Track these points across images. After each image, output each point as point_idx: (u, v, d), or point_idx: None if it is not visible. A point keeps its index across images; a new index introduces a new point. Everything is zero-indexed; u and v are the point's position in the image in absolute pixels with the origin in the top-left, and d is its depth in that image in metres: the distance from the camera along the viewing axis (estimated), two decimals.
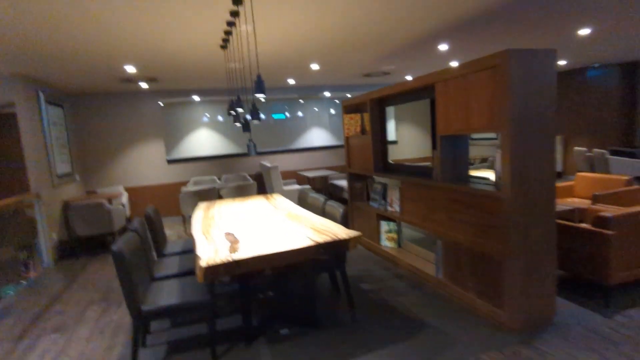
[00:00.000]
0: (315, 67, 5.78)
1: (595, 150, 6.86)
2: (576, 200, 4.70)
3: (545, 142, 2.49)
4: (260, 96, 2.24)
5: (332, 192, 7.77)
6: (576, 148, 7.52)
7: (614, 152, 7.36)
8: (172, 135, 8.52)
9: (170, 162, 7.52)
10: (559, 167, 8.84)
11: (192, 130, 8.71)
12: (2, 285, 4.44)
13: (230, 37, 3.55)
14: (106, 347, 2.85)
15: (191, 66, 5.13)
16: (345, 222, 3.01)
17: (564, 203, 4.42)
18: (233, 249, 2.40)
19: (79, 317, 3.40)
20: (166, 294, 2.52)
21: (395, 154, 9.29)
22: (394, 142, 9.21)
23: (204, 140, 8.84)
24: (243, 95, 6.72)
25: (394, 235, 4.26)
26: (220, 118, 8.81)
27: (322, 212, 3.47)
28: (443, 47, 5.09)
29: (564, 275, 3.43)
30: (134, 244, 2.57)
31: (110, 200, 6.00)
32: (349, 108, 4.80)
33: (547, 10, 3.81)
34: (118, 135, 7.13)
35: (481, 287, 2.82)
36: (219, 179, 7.77)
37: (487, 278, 2.75)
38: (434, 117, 3.16)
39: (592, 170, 7.09)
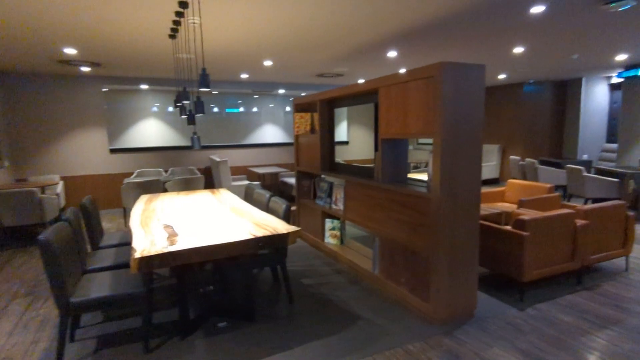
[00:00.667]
0: (268, 63, 5.79)
1: (527, 159, 7.45)
2: (506, 204, 5.10)
3: (473, 149, 2.71)
4: (204, 90, 2.24)
5: (282, 189, 7.81)
6: (512, 157, 8.12)
7: (543, 162, 8.03)
8: (117, 123, 8.15)
9: (113, 151, 7.18)
10: (496, 174, 9.49)
11: (139, 120, 8.39)
12: None
13: (179, 28, 3.49)
14: (30, 341, 2.71)
15: (138, 53, 4.95)
16: (287, 217, 3.08)
17: (494, 207, 4.78)
18: (170, 241, 2.38)
19: (2, 311, 3.19)
20: (98, 286, 2.45)
21: (346, 155, 9.49)
22: (346, 143, 9.45)
23: (152, 130, 8.54)
24: (190, 88, 6.58)
25: (337, 233, 4.39)
26: (170, 109, 8.56)
27: (267, 208, 3.51)
28: (392, 54, 5.31)
29: (486, 273, 3.73)
30: (64, 235, 2.47)
31: (43, 189, 5.64)
32: (300, 107, 4.87)
33: (485, 28, 4.11)
34: (55, 120, 6.69)
35: (412, 282, 3.00)
36: (166, 171, 7.55)
37: (416, 274, 2.94)
38: (377, 121, 3.30)
39: (524, 177, 7.69)
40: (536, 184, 4.98)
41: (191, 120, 2.93)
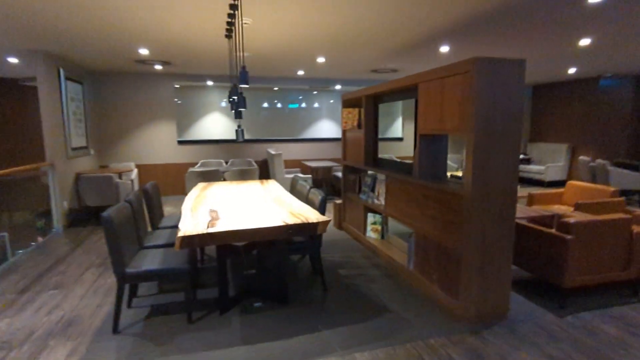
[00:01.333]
0: (321, 60, 5.95)
1: (598, 160, 6.84)
2: (563, 207, 4.78)
3: (510, 147, 2.63)
4: (244, 86, 2.45)
5: (334, 184, 7.97)
6: (581, 157, 7.49)
7: (619, 164, 7.30)
8: (186, 117, 8.85)
9: (180, 143, 7.84)
10: (563, 175, 8.80)
11: (205, 114, 9.03)
12: (15, 245, 4.83)
13: (233, 28, 3.76)
14: (97, 304, 3.15)
15: (200, 52, 5.38)
16: (322, 208, 3.22)
17: (548, 209, 4.51)
18: (211, 224, 2.64)
19: (78, 278, 3.72)
20: (150, 260, 2.79)
21: (400, 151, 9.38)
22: (400, 139, 9.34)
23: (216, 124, 9.14)
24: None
25: (378, 227, 4.44)
26: (222, 104, 9.10)
27: (306, 199, 3.68)
28: (444, 49, 5.19)
29: (528, 276, 3.57)
30: (124, 214, 2.84)
31: (120, 175, 6.35)
32: (348, 102, 4.97)
33: (543, 19, 3.88)
34: (133, 113, 7.47)
35: (442, 279, 2.99)
36: (226, 162, 8.06)
37: (447, 271, 2.92)
38: (417, 116, 3.31)
39: (594, 180, 7.08)
40: (598, 186, 4.61)
41: (237, 115, 3.18)
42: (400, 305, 3.05)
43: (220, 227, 2.55)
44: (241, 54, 5.21)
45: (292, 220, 2.70)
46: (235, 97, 3.64)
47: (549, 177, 8.66)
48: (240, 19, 3.64)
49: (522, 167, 9.27)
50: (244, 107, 2.93)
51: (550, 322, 2.77)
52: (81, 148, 6.41)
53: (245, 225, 2.58)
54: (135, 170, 7.22)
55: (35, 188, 6.22)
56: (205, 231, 2.45)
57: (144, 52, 5.30)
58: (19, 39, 4.55)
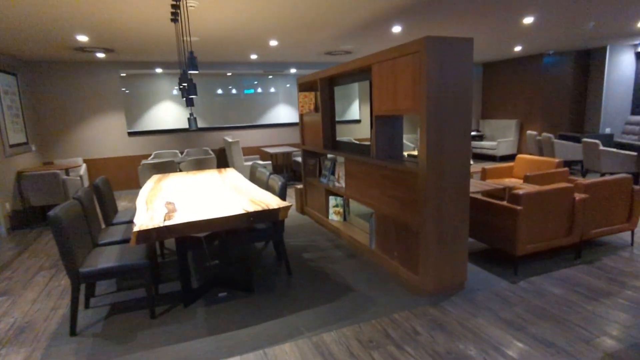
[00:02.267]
0: (273, 43, 5.83)
1: (544, 134, 7.26)
2: (513, 180, 5.05)
3: (461, 124, 2.72)
4: (193, 72, 2.35)
5: (294, 169, 7.94)
6: (528, 132, 7.91)
7: (562, 137, 7.79)
8: (135, 107, 8.43)
9: (131, 134, 7.47)
10: (513, 150, 9.28)
11: (156, 103, 8.64)
12: None
13: (179, 11, 3.58)
14: (51, 307, 2.99)
15: (146, 38, 5.10)
16: (283, 194, 3.20)
17: (499, 182, 4.74)
18: (168, 216, 2.55)
19: (27, 282, 3.50)
20: (105, 258, 2.66)
21: (357, 133, 9.46)
22: (358, 122, 9.41)
23: (168, 113, 8.79)
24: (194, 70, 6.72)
25: (340, 210, 4.49)
26: (174, 92, 8.75)
27: (266, 186, 3.64)
28: (397, 29, 5.24)
29: (484, 248, 3.76)
30: (73, 212, 2.68)
31: (67, 171, 5.98)
32: (304, 86, 4.92)
33: None
34: (76, 106, 7.01)
35: (403, 256, 3.09)
36: (182, 153, 7.80)
37: (407, 247, 3.02)
38: (372, 98, 3.34)
39: (541, 153, 7.51)
40: (545, 159, 4.89)
41: (189, 102, 3.06)
42: (363, 284, 3.13)
43: (178, 219, 2.48)
44: (188, 38, 5.00)
45: (252, 208, 2.67)
46: (186, 84, 3.50)
47: (500, 152, 9.09)
48: (185, 1, 3.47)
49: (475, 143, 9.67)
50: (195, 94, 2.82)
51: (504, 288, 2.94)
52: (20, 144, 5.95)
53: (204, 216, 2.51)
54: (84, 166, 6.82)
55: None
56: (162, 224, 2.37)
57: (82, 38, 4.95)
58: None
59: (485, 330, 2.41)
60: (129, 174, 7.51)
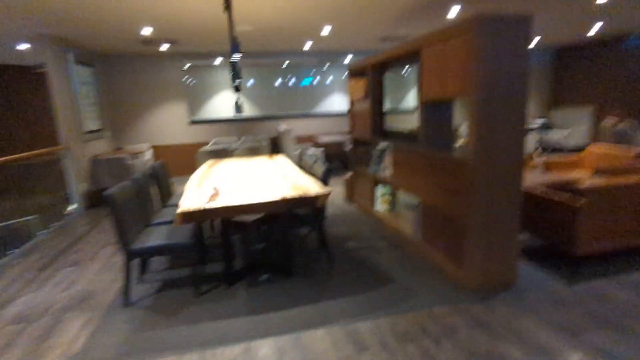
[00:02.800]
0: (328, 28, 5.76)
1: (623, 122, 6.49)
2: (582, 172, 4.58)
3: (516, 111, 2.50)
4: (236, 56, 2.39)
5: (345, 158, 7.89)
6: (605, 120, 7.13)
7: None
8: (197, 96, 8.84)
9: (192, 123, 7.88)
10: (586, 140, 8.43)
11: (217, 93, 8.99)
12: (36, 227, 5.03)
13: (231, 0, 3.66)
14: (111, 280, 3.26)
15: (203, 29, 5.30)
16: (326, 179, 3.18)
17: (564, 175, 4.33)
18: (211, 199, 2.65)
19: (94, 255, 3.85)
20: (154, 237, 2.84)
21: (415, 122, 9.16)
22: (414, 111, 9.06)
23: (228, 102, 9.11)
24: (245, 59, 6.92)
25: (388, 199, 4.39)
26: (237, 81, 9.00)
27: (311, 171, 3.65)
28: (456, 9, 4.93)
29: (539, 245, 3.47)
30: (128, 192, 2.88)
31: (134, 156, 6.47)
32: (355, 72, 4.84)
33: None
34: (144, 96, 7.52)
35: (448, 249, 2.94)
36: (238, 140, 8.07)
37: (453, 240, 2.87)
38: (420, 83, 3.18)
39: (619, 143, 6.75)
40: (621, 150, 4.37)
41: (236, 88, 3.14)
42: (405, 275, 3.03)
43: (219, 202, 2.56)
44: (235, 25, 5.09)
45: (292, 194, 2.68)
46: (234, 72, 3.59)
47: (571, 142, 8.30)
48: None
49: (542, 133, 8.92)
50: (240, 78, 2.88)
51: (560, 290, 2.70)
52: (96, 131, 6.53)
53: (243, 201, 2.57)
54: (150, 151, 7.33)
55: (55, 172, 6.41)
56: (203, 207, 2.47)
57: (147, 30, 5.26)
58: (25, 23, 4.58)
59: (533, 333, 2.23)
60: (189, 161, 7.94)
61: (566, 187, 3.91)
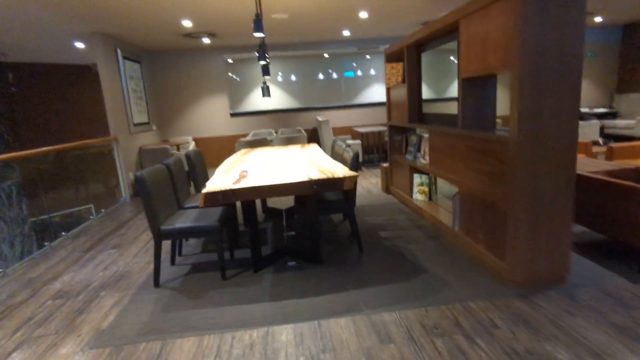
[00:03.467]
0: (364, 14, 5.58)
1: None
2: None
3: (568, 87, 2.21)
4: (259, 35, 2.32)
5: (385, 149, 7.64)
6: None
7: None
8: (238, 89, 8.98)
9: (233, 115, 8.01)
10: None
11: (257, 86, 9.09)
12: (87, 213, 5.33)
13: None
14: (146, 262, 3.35)
15: (241, 20, 5.32)
16: (355, 164, 3.04)
17: (632, 164, 3.85)
18: (237, 182, 2.61)
19: (134, 239, 3.99)
20: (183, 219, 2.86)
21: (454, 107, 8.74)
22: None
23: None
24: (282, 51, 6.84)
25: (425, 189, 4.15)
26: (279, 74, 9.02)
27: (341, 158, 3.52)
28: None
29: (600, 238, 3.10)
30: (159, 175, 2.92)
31: (177, 147, 6.68)
32: (391, 56, 4.62)
33: None
34: (187, 89, 7.75)
35: (489, 239, 2.70)
36: (277, 132, 8.10)
37: (493, 229, 2.62)
38: (459, 58, 2.94)
39: None
40: None
41: (266, 72, 3.08)
42: (440, 266, 2.82)
43: (243, 184, 2.51)
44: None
45: (318, 176, 2.57)
46: (261, 56, 3.53)
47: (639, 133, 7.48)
48: None
49: (607, 122, 8.12)
50: (264, 59, 2.81)
51: (620, 287, 2.37)
52: (143, 124, 6.81)
53: (267, 182, 2.50)
54: (193, 143, 7.55)
55: (109, 163, 6.78)
56: (227, 188, 2.43)
57: (187, 23, 5.37)
58: (78, 22, 4.83)
59: (584, 333, 1.96)
60: (229, 152, 8.09)
61: (632, 175, 3.48)
